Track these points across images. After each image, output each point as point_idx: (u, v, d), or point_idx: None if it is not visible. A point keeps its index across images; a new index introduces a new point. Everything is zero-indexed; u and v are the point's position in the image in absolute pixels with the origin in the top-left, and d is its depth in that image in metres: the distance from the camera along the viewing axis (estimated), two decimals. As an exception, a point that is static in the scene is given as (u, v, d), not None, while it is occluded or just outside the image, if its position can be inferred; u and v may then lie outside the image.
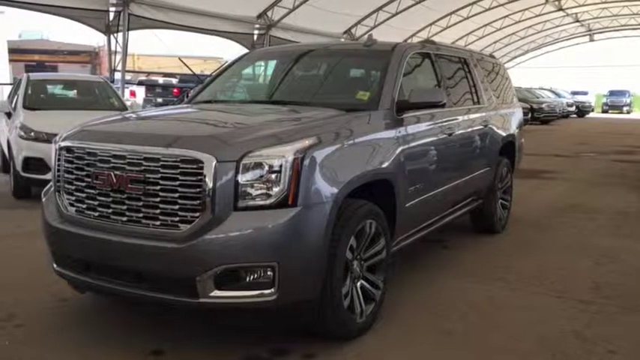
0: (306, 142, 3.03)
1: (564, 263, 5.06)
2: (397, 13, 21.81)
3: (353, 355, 3.26)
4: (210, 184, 2.85)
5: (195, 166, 2.88)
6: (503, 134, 6.08)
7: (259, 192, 2.91)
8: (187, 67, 13.99)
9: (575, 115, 33.64)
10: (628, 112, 41.03)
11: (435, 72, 4.78)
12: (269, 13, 17.81)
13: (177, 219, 2.92)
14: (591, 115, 36.84)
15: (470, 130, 5.11)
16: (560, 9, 29.95)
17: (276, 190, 2.91)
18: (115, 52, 13.29)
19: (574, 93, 36.94)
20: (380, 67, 4.18)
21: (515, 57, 40.40)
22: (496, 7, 25.83)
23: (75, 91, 9.24)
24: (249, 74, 4.86)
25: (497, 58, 6.88)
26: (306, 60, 4.67)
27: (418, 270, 4.75)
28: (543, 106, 25.61)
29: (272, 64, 4.77)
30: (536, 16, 30.06)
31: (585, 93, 38.43)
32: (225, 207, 2.87)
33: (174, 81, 27.01)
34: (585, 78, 43.45)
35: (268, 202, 2.91)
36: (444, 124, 4.57)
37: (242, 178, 2.89)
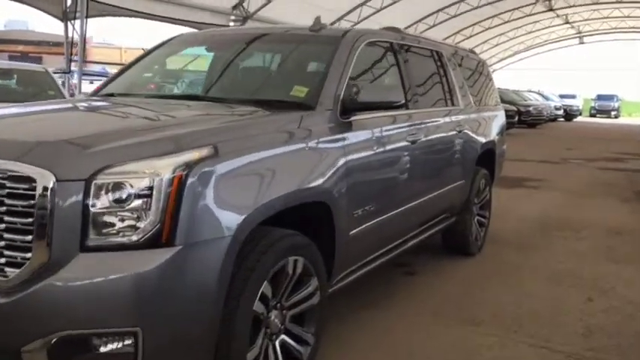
0: (195, 154, 2.17)
1: (550, 298, 4.24)
2: (382, 9, 20.99)
3: None
4: (46, 213, 1.98)
5: (26, 186, 2.01)
6: (482, 141, 5.25)
7: (120, 225, 2.04)
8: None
9: (562, 119, 33.04)
10: (616, 117, 40.53)
11: (398, 66, 3.93)
12: (245, 4, 16.89)
13: (3, 261, 2.05)
14: (579, 119, 36.28)
15: (440, 136, 4.27)
16: (551, 9, 29.30)
17: (145, 222, 2.04)
18: (72, 40, 12.31)
19: (562, 96, 36.33)
20: (325, 57, 3.33)
21: (504, 58, 39.79)
22: (484, 5, 25.09)
23: (13, 80, 8.29)
24: (174, 62, 3.98)
25: (478, 54, 6.06)
26: (239, 47, 3.79)
27: (370, 307, 3.90)
28: (530, 109, 24.88)
29: (200, 51, 3.89)
30: (526, 16, 29.38)
31: (573, 96, 37.82)
32: (67, 245, 2.00)
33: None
34: (574, 81, 42.87)
35: (133, 239, 2.04)
36: (406, 129, 3.73)
37: (94, 205, 2.02)
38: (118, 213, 2.04)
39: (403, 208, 3.74)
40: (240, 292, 2.29)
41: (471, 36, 29.58)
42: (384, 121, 3.47)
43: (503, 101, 22.50)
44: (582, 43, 40.00)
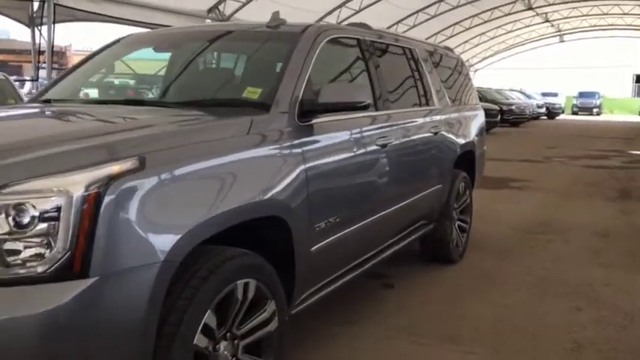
0: (115, 167, 1.85)
1: (534, 308, 3.97)
2: (360, 10, 20.76)
3: None
4: None
5: None
6: (460, 142, 4.98)
7: (23, 254, 1.72)
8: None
9: (545, 117, 33.03)
10: (598, 114, 40.60)
11: (366, 64, 3.64)
12: (220, 7, 16.55)
13: None
14: (561, 116, 36.31)
15: (413, 138, 3.98)
16: (530, 8, 29.28)
17: (53, 250, 1.73)
18: (40, 47, 11.86)
19: (544, 94, 36.32)
20: (282, 55, 3.02)
21: (486, 58, 39.79)
22: (464, 4, 24.98)
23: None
24: (122, 64, 3.65)
25: (454, 52, 5.79)
26: (190, 47, 3.48)
27: (344, 324, 3.60)
28: (513, 107, 24.74)
29: (149, 52, 3.57)
30: (505, 15, 29.35)
31: (555, 94, 37.78)
32: (-41, 281, 1.68)
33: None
34: (555, 79, 42.79)
35: (38, 270, 1.72)
36: (376, 132, 3.43)
37: (-10, 231, 1.70)
38: (21, 240, 1.72)
39: (374, 217, 3.45)
40: (177, 326, 1.97)
41: (451, 36, 29.46)
42: (350, 123, 3.17)
43: (485, 100, 22.24)
44: (562, 41, 40.09)
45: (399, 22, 24.37)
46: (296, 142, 2.67)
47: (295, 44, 3.04)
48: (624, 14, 31.65)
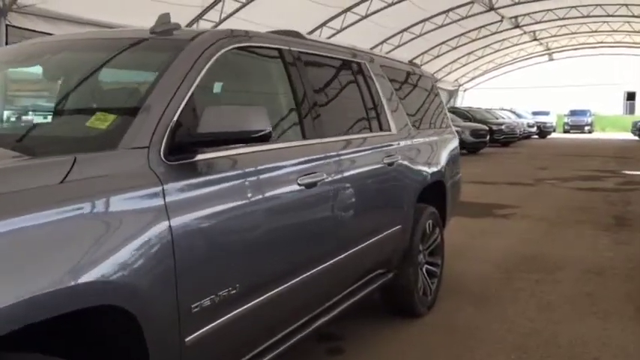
0: None
1: (513, 382, 3.17)
2: (342, 29, 20.15)
3: None
4: None
5: None
6: (426, 172, 4.21)
7: None
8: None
9: (536, 136, 32.45)
10: (589, 132, 40.09)
11: (289, 81, 2.87)
12: (193, 27, 15.91)
13: None
14: (553, 135, 35.74)
15: (356, 172, 3.19)
16: (517, 26, 28.80)
17: None
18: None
19: (535, 113, 35.77)
20: (157, 69, 2.25)
21: (474, 77, 39.36)
22: (449, 23, 24.43)
23: None
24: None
25: (419, 67, 5.04)
26: (42, 61, 2.70)
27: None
28: (503, 127, 24.14)
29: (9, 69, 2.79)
30: (493, 33, 28.83)
31: (547, 113, 37.24)
32: None
33: None
34: (546, 98, 42.30)
35: None
36: (297, 167, 2.65)
37: None
38: None
39: (300, 278, 2.65)
40: None
41: (438, 55, 28.94)
42: (253, 159, 2.38)
43: (474, 120, 21.62)
44: (552, 59, 39.77)
45: (384, 41, 23.78)
46: (155, 189, 1.88)
47: (176, 55, 2.26)
48: (613, 31, 31.25)
